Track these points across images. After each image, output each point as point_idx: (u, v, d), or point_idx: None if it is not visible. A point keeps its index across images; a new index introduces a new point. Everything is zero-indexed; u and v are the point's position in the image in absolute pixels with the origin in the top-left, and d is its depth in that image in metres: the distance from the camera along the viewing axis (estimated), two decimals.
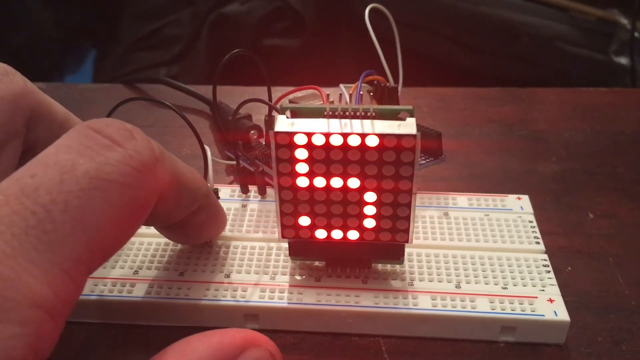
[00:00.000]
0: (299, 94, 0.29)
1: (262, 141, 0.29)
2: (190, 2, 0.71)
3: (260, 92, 0.27)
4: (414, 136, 0.19)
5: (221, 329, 0.16)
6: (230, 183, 0.30)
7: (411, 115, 0.20)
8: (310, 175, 0.20)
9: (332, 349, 0.22)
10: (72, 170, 0.15)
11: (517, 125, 0.36)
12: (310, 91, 0.29)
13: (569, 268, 0.25)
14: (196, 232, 0.22)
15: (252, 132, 0.28)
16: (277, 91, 0.29)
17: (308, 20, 0.69)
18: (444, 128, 0.36)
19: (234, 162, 0.30)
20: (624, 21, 0.65)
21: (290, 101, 0.29)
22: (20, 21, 0.77)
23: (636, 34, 0.63)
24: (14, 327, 0.13)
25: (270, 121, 0.27)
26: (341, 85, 0.28)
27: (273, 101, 0.28)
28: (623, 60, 0.65)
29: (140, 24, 0.72)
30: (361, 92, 0.24)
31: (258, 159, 0.28)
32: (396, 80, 0.29)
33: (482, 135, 0.35)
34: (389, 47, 0.29)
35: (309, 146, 0.19)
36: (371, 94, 0.28)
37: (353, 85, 0.26)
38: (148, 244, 0.24)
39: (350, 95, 0.26)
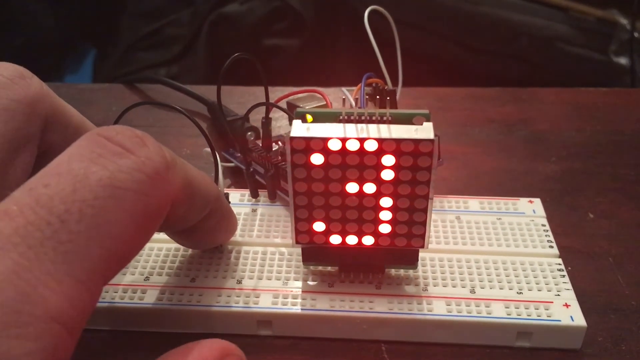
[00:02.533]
0: (298, 95, 0.29)
1: (259, 143, 0.29)
2: (190, 2, 0.71)
3: (261, 92, 0.26)
4: (431, 141, 0.19)
5: (195, 342, 0.16)
6: (229, 186, 0.30)
7: (427, 120, 0.20)
8: (326, 180, 0.20)
9: (331, 349, 0.21)
10: (85, 178, 0.14)
11: (517, 125, 0.36)
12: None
13: (569, 268, 0.25)
14: (208, 237, 0.22)
15: (249, 133, 0.27)
16: (277, 91, 0.29)
17: (308, 20, 0.69)
18: (444, 128, 0.36)
19: (232, 164, 0.30)
20: (624, 21, 0.65)
21: (289, 102, 0.29)
22: (20, 21, 0.76)
23: (636, 34, 0.63)
24: (29, 342, 0.12)
25: (267, 122, 0.27)
26: (343, 89, 0.27)
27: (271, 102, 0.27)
28: (623, 60, 0.65)
29: (140, 24, 0.71)
30: (366, 96, 0.24)
31: (255, 162, 0.27)
32: (396, 82, 0.29)
33: (482, 136, 0.35)
34: (389, 47, 0.29)
35: (325, 151, 0.19)
36: (366, 96, 0.28)
37: (355, 89, 0.26)
38: (158, 249, 0.24)
39: (355, 100, 0.26)
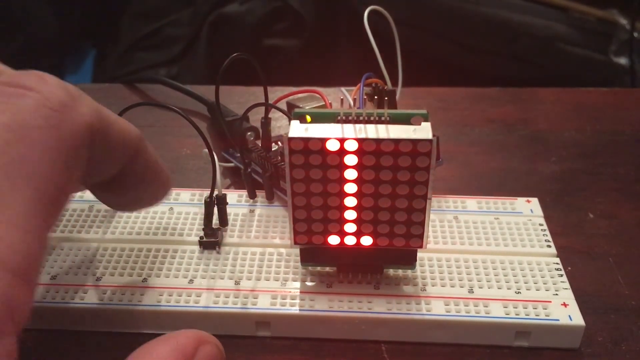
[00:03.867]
0: (298, 95, 0.29)
1: (259, 143, 0.28)
2: (190, 2, 0.71)
3: (261, 92, 0.26)
4: (430, 141, 0.19)
5: (173, 332, 0.16)
6: (228, 187, 0.30)
7: (426, 120, 0.20)
8: (324, 181, 0.20)
9: (331, 349, 0.22)
10: None
11: (517, 125, 0.36)
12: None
13: (569, 268, 0.25)
14: (139, 189, 0.20)
15: (248, 133, 0.27)
16: (277, 91, 0.28)
17: (308, 20, 0.68)
18: (444, 128, 0.36)
19: (232, 164, 0.30)
20: (624, 21, 0.65)
21: (289, 102, 0.29)
22: (20, 21, 0.77)
23: (636, 34, 0.63)
24: None
25: (266, 123, 0.27)
26: (342, 89, 0.27)
27: (271, 102, 0.27)
28: (623, 61, 0.65)
29: (140, 24, 0.71)
30: (365, 96, 0.24)
31: (255, 162, 0.27)
32: (396, 82, 0.29)
33: (482, 135, 0.35)
34: (389, 47, 0.29)
35: (323, 152, 0.19)
36: (364, 96, 0.28)
37: (354, 89, 0.26)
38: (156, 250, 0.24)
39: (354, 100, 0.26)
